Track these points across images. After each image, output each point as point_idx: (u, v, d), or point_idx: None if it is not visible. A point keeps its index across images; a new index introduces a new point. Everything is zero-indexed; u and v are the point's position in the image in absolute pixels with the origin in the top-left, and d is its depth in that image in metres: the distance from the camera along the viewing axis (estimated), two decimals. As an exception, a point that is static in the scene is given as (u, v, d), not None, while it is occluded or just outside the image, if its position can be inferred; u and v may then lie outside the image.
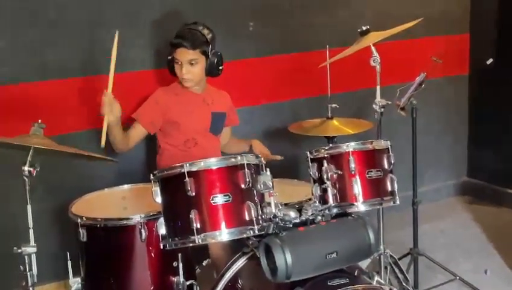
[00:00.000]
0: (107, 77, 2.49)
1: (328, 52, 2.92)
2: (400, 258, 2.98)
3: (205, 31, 2.73)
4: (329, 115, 2.96)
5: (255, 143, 3.00)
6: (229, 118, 3.01)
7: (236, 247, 2.49)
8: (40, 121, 2.21)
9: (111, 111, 2.52)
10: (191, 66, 2.73)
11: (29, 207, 2.11)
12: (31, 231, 2.11)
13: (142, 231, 2.30)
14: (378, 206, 2.54)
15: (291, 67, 3.54)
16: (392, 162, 2.37)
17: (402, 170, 2.67)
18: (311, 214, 2.17)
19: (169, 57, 2.79)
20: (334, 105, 2.94)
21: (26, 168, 2.11)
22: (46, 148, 2.14)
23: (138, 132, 2.80)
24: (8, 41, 2.80)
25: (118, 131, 2.62)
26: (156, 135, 2.89)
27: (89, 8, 2.96)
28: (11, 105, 2.82)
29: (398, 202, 2.38)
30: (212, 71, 2.78)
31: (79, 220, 2.35)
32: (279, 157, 2.87)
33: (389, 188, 2.35)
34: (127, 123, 2.98)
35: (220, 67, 2.80)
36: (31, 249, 2.10)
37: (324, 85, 2.95)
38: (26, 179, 2.11)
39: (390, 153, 2.39)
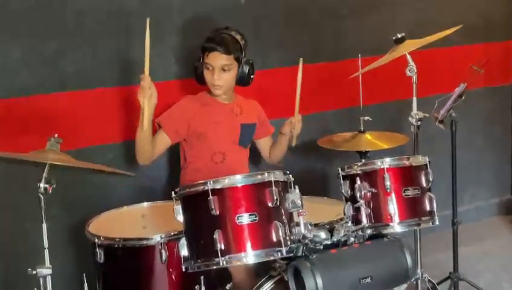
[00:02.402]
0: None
1: (360, 61, 2.91)
2: (438, 283, 2.95)
3: (238, 37, 2.75)
4: (362, 128, 2.94)
5: (281, 127, 2.85)
6: (263, 127, 2.99)
7: (261, 270, 2.48)
8: (56, 135, 2.23)
9: (150, 96, 2.44)
10: (223, 72, 2.73)
11: (44, 226, 2.12)
12: (46, 251, 2.12)
13: (163, 251, 2.29)
14: (415, 227, 2.52)
15: (320, 77, 3.53)
16: (431, 179, 2.36)
17: (441, 188, 2.64)
18: (344, 235, 2.17)
19: (197, 63, 2.78)
20: (366, 118, 2.92)
21: (41, 185, 2.12)
22: (63, 165, 2.16)
23: (163, 140, 2.75)
24: (24, 52, 2.85)
25: (149, 131, 2.55)
26: (180, 147, 2.89)
27: (108, 17, 2.99)
28: (26, 118, 2.85)
29: (437, 223, 2.36)
30: (243, 80, 2.79)
31: (96, 240, 2.35)
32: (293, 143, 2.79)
33: (427, 208, 2.33)
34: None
35: (252, 76, 2.81)
36: (46, 270, 2.12)
37: (356, 96, 2.93)
38: (42, 197, 2.13)
39: (429, 169, 2.37)
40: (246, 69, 2.77)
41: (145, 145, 2.60)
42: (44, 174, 2.13)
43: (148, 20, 2.36)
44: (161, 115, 2.79)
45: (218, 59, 2.71)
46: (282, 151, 2.95)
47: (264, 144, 3.02)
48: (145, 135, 2.54)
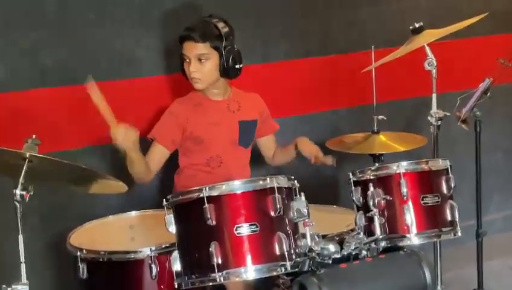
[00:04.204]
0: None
1: (373, 53, 2.91)
2: (461, 302, 2.96)
3: (220, 24, 2.73)
4: (375, 128, 2.95)
5: (300, 141, 2.89)
6: (266, 124, 2.99)
7: (262, 287, 2.48)
8: (34, 136, 2.23)
9: (128, 138, 2.50)
10: (199, 62, 2.72)
11: (20, 238, 2.12)
12: (23, 266, 2.12)
13: (153, 266, 2.30)
14: (435, 239, 2.52)
15: (329, 71, 3.54)
16: (452, 185, 2.36)
17: (464, 195, 2.64)
18: (355, 248, 2.17)
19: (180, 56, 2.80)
20: (381, 117, 2.93)
21: (18, 191, 2.11)
22: (43, 157, 2.13)
23: (161, 153, 2.77)
24: (-1, 44, 2.86)
25: (138, 157, 2.58)
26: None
27: (93, 5, 2.99)
28: (0, 118, 2.85)
29: (459, 234, 2.37)
30: (227, 71, 2.76)
31: (78, 253, 2.36)
32: (330, 161, 2.81)
33: (449, 217, 2.34)
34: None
35: (237, 66, 2.77)
36: (22, 287, 2.11)
37: (369, 93, 2.94)
38: (18, 205, 2.13)
39: (450, 174, 2.38)
40: (228, 59, 2.73)
41: (138, 172, 2.62)
42: (21, 180, 2.13)
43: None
44: (153, 128, 2.80)
45: (192, 48, 2.71)
46: (288, 160, 2.98)
47: (266, 143, 3.01)
48: (133, 169, 2.59)
